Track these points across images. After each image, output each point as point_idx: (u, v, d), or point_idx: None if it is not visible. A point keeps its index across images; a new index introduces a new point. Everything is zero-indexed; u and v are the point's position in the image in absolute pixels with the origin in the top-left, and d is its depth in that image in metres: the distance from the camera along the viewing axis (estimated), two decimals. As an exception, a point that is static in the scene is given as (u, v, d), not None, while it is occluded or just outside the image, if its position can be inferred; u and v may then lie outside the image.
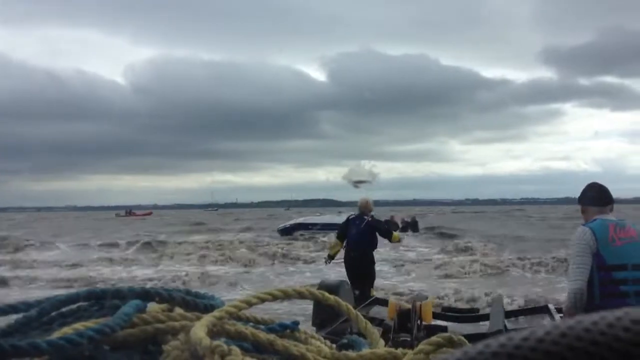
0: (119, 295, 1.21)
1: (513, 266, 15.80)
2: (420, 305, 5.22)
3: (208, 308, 1.22)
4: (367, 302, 6.92)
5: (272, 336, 1.15)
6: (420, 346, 1.06)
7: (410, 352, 1.10)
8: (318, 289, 4.29)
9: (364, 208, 8.65)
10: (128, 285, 1.52)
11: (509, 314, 6.84)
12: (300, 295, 1.29)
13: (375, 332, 1.29)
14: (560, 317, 5.16)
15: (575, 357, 0.40)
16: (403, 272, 15.91)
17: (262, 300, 1.23)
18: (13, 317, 1.17)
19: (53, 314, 1.18)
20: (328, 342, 1.29)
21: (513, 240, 24.40)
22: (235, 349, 1.03)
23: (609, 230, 3.70)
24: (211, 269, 17.51)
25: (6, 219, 68.00)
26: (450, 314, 6.80)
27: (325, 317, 5.18)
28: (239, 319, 1.21)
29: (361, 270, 8.35)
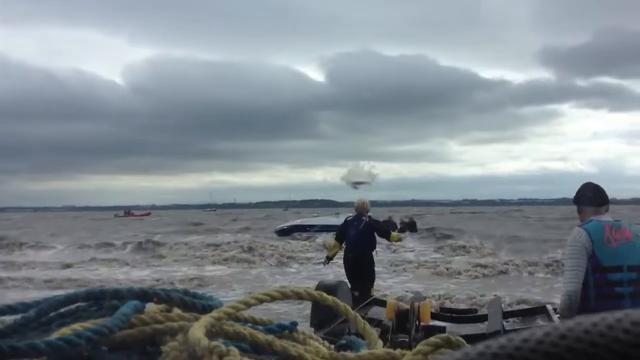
0: (118, 295, 1.21)
1: (511, 267, 15.81)
2: (419, 305, 5.24)
3: (206, 309, 1.22)
4: (365, 303, 6.94)
5: (270, 337, 1.15)
6: (419, 347, 1.06)
7: (408, 352, 1.10)
8: (316, 289, 4.29)
9: (361, 209, 8.66)
10: (126, 285, 1.52)
11: (507, 315, 6.86)
12: (299, 296, 1.29)
13: (373, 332, 1.29)
14: (558, 317, 5.17)
15: (575, 359, 0.40)
16: (401, 272, 15.92)
17: (261, 301, 1.24)
18: (11, 318, 1.17)
19: (51, 314, 1.18)
20: (326, 343, 1.29)
21: (511, 241, 24.41)
22: (234, 350, 1.03)
23: (605, 231, 3.69)
24: (208, 269, 17.51)
25: (4, 219, 67.86)
26: (448, 314, 6.81)
27: (324, 317, 5.19)
28: (237, 319, 1.21)
29: (360, 271, 8.36)
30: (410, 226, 29.26)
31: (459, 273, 15.26)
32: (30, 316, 1.15)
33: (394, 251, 18.73)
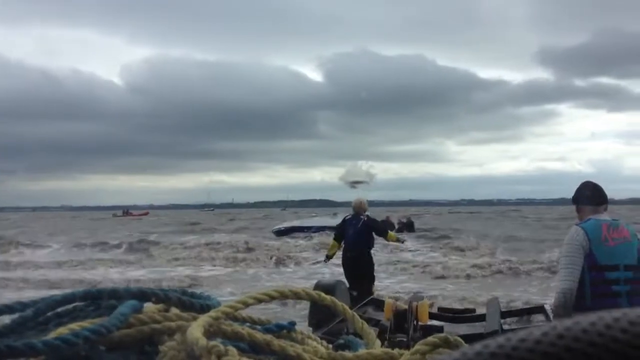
0: (116, 295, 1.21)
1: (508, 267, 15.82)
2: (417, 305, 5.23)
3: (204, 308, 1.22)
4: (363, 303, 6.93)
5: (268, 336, 1.15)
6: (417, 346, 1.06)
7: (406, 352, 1.10)
8: (314, 289, 4.29)
9: (359, 208, 8.67)
10: (123, 285, 1.52)
11: (505, 315, 6.85)
12: (297, 296, 1.29)
13: (371, 332, 1.29)
14: (552, 315, 5.17)
15: (573, 359, 0.40)
16: (398, 273, 15.92)
17: (259, 301, 1.23)
18: (9, 318, 1.16)
19: (49, 314, 1.18)
20: (324, 343, 1.29)
21: (508, 241, 24.43)
22: (232, 349, 1.03)
23: (602, 230, 3.71)
24: (205, 269, 17.49)
25: (1, 219, 67.69)
26: (446, 314, 6.81)
27: (322, 317, 5.18)
28: (235, 319, 1.21)
29: (359, 270, 8.36)
30: (407, 226, 29.27)
31: (457, 273, 15.26)
32: (28, 316, 1.15)
33: (391, 251, 18.73)
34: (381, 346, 1.26)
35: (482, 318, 6.41)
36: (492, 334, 4.49)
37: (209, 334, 1.09)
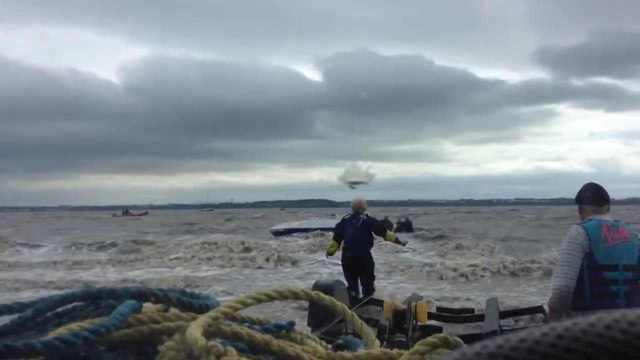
0: (115, 295, 1.21)
1: (507, 266, 15.83)
2: (416, 305, 5.23)
3: (203, 308, 1.22)
4: (362, 303, 6.93)
5: (268, 336, 1.15)
6: (416, 347, 1.06)
7: (405, 352, 1.10)
8: (313, 289, 4.29)
9: (358, 207, 8.66)
10: (120, 285, 1.52)
11: (504, 315, 6.84)
12: (296, 296, 1.29)
13: (370, 332, 1.29)
14: (547, 312, 5.17)
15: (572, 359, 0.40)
16: (397, 273, 15.91)
17: (258, 301, 1.23)
18: (8, 318, 1.16)
19: (48, 314, 1.17)
20: (324, 343, 1.29)
21: (507, 241, 24.46)
22: (231, 350, 1.03)
23: (603, 230, 3.73)
24: (202, 269, 17.47)
25: (-1, 219, 67.65)
26: (445, 314, 6.80)
27: (321, 317, 5.18)
28: (234, 319, 1.21)
29: (359, 270, 8.36)
30: (405, 226, 29.28)
31: (455, 273, 15.25)
32: (27, 316, 1.15)
33: (388, 252, 18.72)
34: (380, 346, 1.26)
35: (480, 318, 6.40)
36: (491, 334, 4.49)
37: (208, 334, 1.09)
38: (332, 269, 14.85)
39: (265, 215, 69.84)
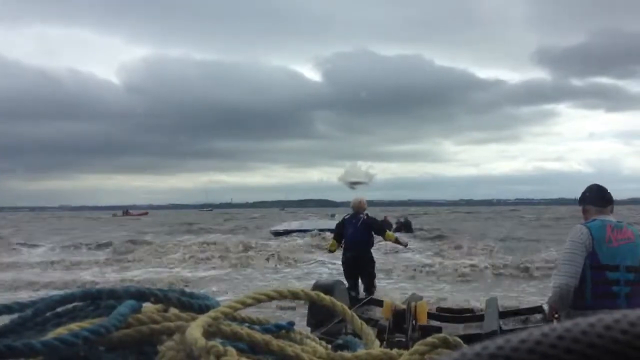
0: (114, 295, 1.21)
1: (507, 266, 15.83)
2: (415, 305, 5.24)
3: (203, 308, 1.22)
4: (362, 303, 6.94)
5: (267, 336, 1.15)
6: (416, 347, 1.06)
7: (405, 352, 1.10)
8: (313, 289, 4.29)
9: (358, 207, 8.67)
10: (120, 285, 1.52)
11: (504, 315, 6.85)
12: (296, 296, 1.28)
13: (370, 332, 1.29)
14: (547, 310, 5.17)
15: (573, 360, 0.40)
16: (396, 273, 15.91)
17: (258, 301, 1.23)
18: (7, 318, 1.16)
19: (48, 314, 1.17)
20: (323, 343, 1.29)
21: (507, 241, 24.45)
22: (231, 350, 1.03)
23: (606, 231, 3.74)
24: (201, 269, 17.45)
25: (-2, 219, 67.61)
26: (444, 314, 6.81)
27: (321, 317, 5.18)
28: (234, 319, 1.21)
29: (359, 269, 8.36)
30: (405, 226, 29.27)
31: (455, 273, 15.25)
32: (27, 316, 1.15)
33: (388, 251, 18.72)
34: (380, 346, 1.26)
35: (480, 318, 6.41)
36: (491, 334, 4.50)
37: (208, 334, 1.09)
38: (331, 269, 14.86)
39: (264, 216, 69.82)
